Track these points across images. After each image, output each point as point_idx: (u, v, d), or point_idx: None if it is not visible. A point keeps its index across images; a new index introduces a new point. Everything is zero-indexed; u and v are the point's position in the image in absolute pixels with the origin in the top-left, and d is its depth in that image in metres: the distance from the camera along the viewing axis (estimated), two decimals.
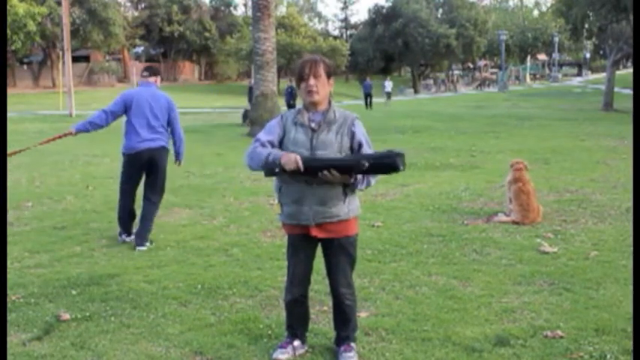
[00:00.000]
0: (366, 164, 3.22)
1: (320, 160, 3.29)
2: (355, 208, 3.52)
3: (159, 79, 6.47)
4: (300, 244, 3.56)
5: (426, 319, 4.11)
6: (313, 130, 3.39)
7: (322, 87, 3.39)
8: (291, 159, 3.24)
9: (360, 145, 3.41)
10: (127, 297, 4.64)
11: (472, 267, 5.26)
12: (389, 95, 38.77)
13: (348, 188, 3.43)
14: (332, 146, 3.36)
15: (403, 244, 6.00)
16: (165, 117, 6.23)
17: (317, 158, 3.30)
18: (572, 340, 3.76)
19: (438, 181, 9.73)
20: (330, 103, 3.46)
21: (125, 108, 6.14)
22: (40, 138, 17.83)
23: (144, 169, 6.28)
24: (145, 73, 6.44)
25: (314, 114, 3.43)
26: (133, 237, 6.22)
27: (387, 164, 3.25)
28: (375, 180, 3.44)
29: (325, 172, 3.25)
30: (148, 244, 6.10)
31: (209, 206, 8.05)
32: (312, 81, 3.36)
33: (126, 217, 6.38)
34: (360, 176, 3.36)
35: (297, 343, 3.67)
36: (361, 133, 3.44)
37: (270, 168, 3.32)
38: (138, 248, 6.02)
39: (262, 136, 3.45)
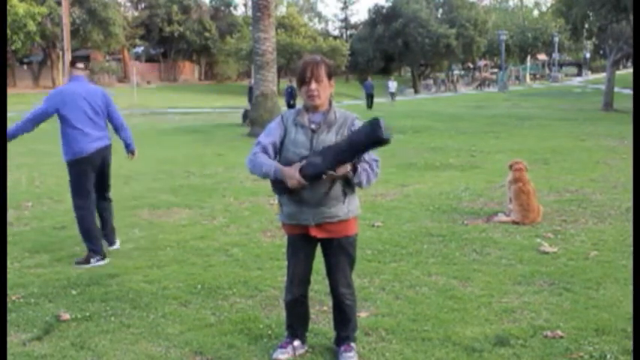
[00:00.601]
0: (349, 156, 3.20)
1: (314, 167, 3.24)
2: (355, 209, 3.52)
3: (88, 72, 5.98)
4: (300, 244, 3.56)
5: (426, 319, 4.11)
6: (313, 131, 3.39)
7: (323, 90, 3.38)
8: (293, 177, 3.25)
9: None
10: (127, 297, 4.64)
11: (472, 267, 5.27)
12: (393, 95, 38.42)
13: (349, 188, 3.44)
14: None
15: (403, 244, 6.00)
16: (105, 111, 5.75)
17: (310, 164, 3.25)
18: (572, 340, 3.76)
19: (438, 181, 9.73)
20: (330, 103, 3.46)
21: (57, 109, 5.53)
22: (40, 137, 17.84)
23: (95, 172, 5.78)
24: (81, 65, 5.79)
25: (314, 115, 3.43)
26: (107, 260, 5.69)
27: (372, 142, 3.18)
28: (375, 177, 3.41)
29: (328, 174, 3.24)
30: (117, 239, 6.11)
31: (209, 206, 8.05)
32: (313, 85, 3.35)
33: (99, 232, 5.80)
34: (358, 168, 3.32)
35: (297, 343, 3.67)
36: None
37: (277, 189, 3.39)
38: (112, 247, 5.97)
39: (263, 138, 3.45)
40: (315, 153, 3.28)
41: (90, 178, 5.74)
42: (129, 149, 6.19)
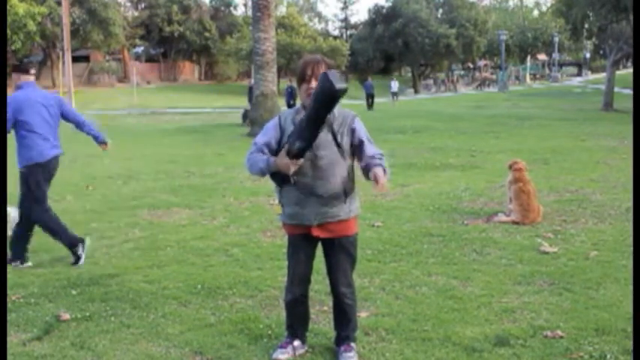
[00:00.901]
0: (318, 118, 3.20)
1: (294, 143, 3.24)
2: (355, 208, 3.53)
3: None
4: (301, 244, 3.57)
5: (426, 319, 4.11)
6: None
7: None
8: (285, 162, 3.27)
9: (360, 142, 3.42)
10: (127, 297, 4.64)
11: (472, 267, 5.26)
12: (395, 95, 37.99)
13: (350, 187, 3.44)
14: (332, 145, 3.36)
15: (403, 244, 6.00)
16: (58, 119, 5.68)
17: (290, 142, 3.26)
18: (572, 340, 3.76)
19: (438, 181, 9.73)
20: None
21: (14, 116, 5.39)
22: None
23: (48, 180, 5.62)
24: (33, 71, 5.74)
25: None
26: (89, 240, 5.68)
27: (329, 96, 3.16)
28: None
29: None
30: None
31: (209, 206, 8.05)
32: (313, 83, 3.36)
33: (64, 224, 5.69)
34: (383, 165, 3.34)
35: (297, 343, 3.67)
36: (361, 129, 3.45)
37: (278, 180, 3.41)
38: (20, 266, 5.52)
39: (259, 139, 3.48)
40: (291, 133, 3.30)
41: (46, 183, 5.64)
42: (99, 140, 6.02)
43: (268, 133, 3.46)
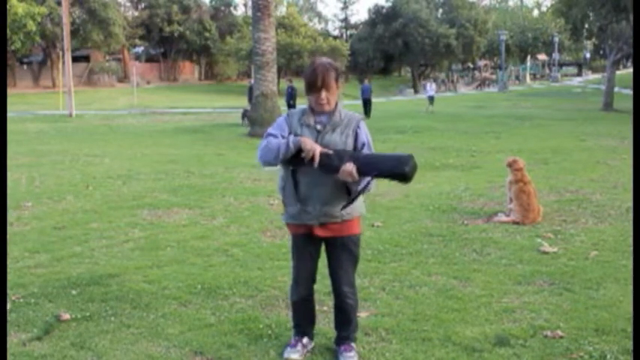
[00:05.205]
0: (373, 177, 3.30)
1: (336, 160, 3.27)
2: (359, 207, 3.54)
3: None
4: (305, 244, 3.57)
5: (426, 319, 4.11)
6: (318, 132, 3.42)
7: (333, 97, 3.41)
8: (311, 150, 3.26)
9: (362, 145, 3.44)
10: (127, 297, 4.64)
11: (472, 267, 5.27)
12: (432, 99, 29.53)
13: (353, 188, 3.45)
14: (337, 147, 3.38)
15: (403, 244, 6.00)
16: None
17: (330, 163, 3.27)
18: (572, 340, 3.77)
19: (438, 181, 9.73)
20: (336, 104, 3.48)
21: None
22: (41, 138, 17.86)
23: None
24: None
25: (320, 115, 3.46)
26: None
27: (395, 173, 3.27)
28: (374, 187, 3.43)
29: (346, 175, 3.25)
30: None
31: (209, 206, 8.04)
32: (324, 94, 3.37)
33: None
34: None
35: (305, 340, 3.70)
36: (365, 134, 3.48)
37: (292, 163, 3.38)
38: None
39: (273, 130, 3.48)
40: (340, 153, 3.29)
41: None
42: None
43: (281, 127, 3.46)
